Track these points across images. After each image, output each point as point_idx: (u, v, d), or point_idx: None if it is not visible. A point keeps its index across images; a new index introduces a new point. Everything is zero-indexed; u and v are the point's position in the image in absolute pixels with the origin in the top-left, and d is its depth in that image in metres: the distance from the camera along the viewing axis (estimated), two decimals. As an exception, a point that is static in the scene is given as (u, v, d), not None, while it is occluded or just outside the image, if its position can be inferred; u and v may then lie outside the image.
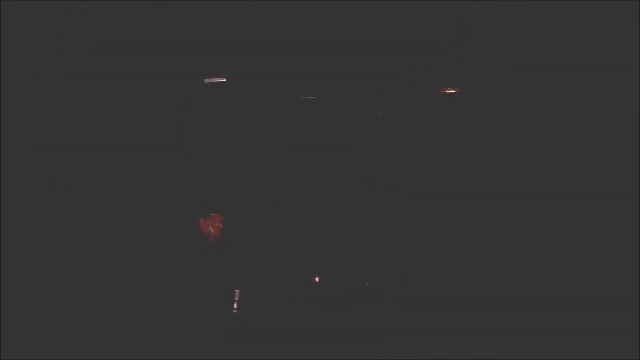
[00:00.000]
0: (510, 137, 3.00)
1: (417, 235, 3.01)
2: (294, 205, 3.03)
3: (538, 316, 2.77)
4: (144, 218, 3.01)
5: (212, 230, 2.88)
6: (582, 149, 2.76)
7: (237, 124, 3.29)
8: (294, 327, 2.74)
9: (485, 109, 3.04)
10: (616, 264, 2.60)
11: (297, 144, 3.31)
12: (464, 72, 2.98)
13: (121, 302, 1.30)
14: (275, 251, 2.92)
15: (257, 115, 3.25)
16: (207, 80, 1.64)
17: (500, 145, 3.04)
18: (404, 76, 2.98)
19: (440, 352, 2.56)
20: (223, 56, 3.10)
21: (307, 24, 3.06)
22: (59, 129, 2.68)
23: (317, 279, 3.01)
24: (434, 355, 2.53)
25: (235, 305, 3.01)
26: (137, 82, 1.83)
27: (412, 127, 3.39)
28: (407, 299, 2.93)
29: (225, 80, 1.67)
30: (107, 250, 1.40)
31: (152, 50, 2.23)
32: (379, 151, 3.58)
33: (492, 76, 3.00)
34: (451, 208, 3.03)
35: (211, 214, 2.98)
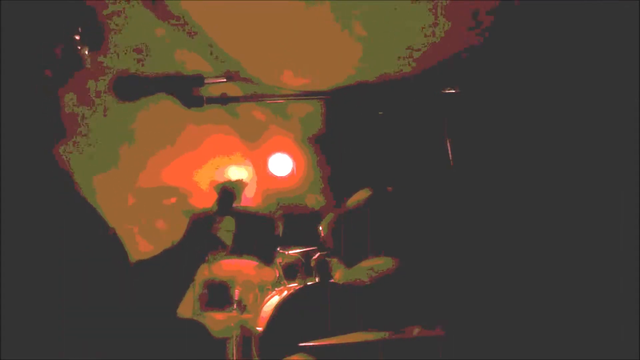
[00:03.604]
0: (511, 138, 2.99)
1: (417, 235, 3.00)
2: None
3: (537, 316, 2.77)
4: None
5: None
6: (582, 150, 2.76)
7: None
8: None
9: (485, 109, 3.04)
10: (616, 264, 2.60)
11: None
12: (464, 72, 2.98)
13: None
14: None
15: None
16: (206, 81, 1.63)
17: (500, 146, 3.04)
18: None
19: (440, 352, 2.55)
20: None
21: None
22: None
23: None
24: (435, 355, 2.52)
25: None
26: None
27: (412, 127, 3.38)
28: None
29: (225, 80, 1.67)
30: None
31: None
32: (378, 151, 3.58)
33: (492, 76, 2.99)
34: (453, 209, 3.02)
35: None
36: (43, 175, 1.32)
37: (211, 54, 3.20)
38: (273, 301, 2.95)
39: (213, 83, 1.64)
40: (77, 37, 1.40)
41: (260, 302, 3.07)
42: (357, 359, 2.51)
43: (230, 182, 2.18)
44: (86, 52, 1.42)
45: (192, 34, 3.10)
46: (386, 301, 2.88)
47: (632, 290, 2.47)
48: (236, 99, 1.83)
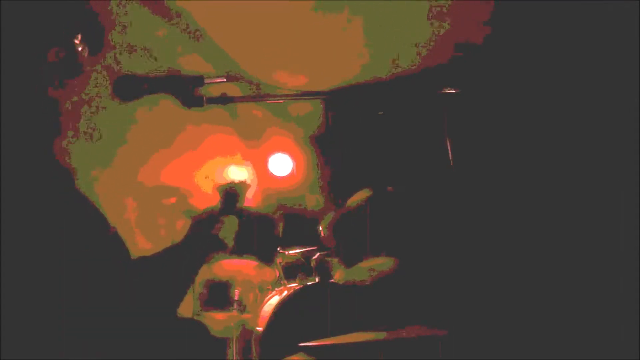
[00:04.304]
0: (510, 138, 2.99)
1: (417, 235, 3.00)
2: None
3: (537, 316, 2.77)
4: None
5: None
6: (582, 150, 2.76)
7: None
8: None
9: (485, 109, 3.04)
10: (616, 264, 2.60)
11: None
12: (464, 72, 2.98)
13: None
14: None
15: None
16: (206, 81, 1.63)
17: (500, 146, 3.04)
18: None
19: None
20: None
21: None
22: None
23: None
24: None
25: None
26: None
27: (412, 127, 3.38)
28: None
29: (225, 80, 1.67)
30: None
31: None
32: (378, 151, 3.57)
33: (492, 76, 2.99)
34: (453, 208, 3.02)
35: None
36: (43, 175, 1.32)
37: (211, 53, 3.20)
38: (273, 301, 2.95)
39: (213, 83, 1.64)
40: (78, 37, 1.40)
41: (260, 302, 3.07)
42: (357, 359, 2.51)
43: (233, 182, 2.20)
44: (86, 53, 1.42)
45: (193, 34, 3.10)
46: (386, 301, 2.89)
47: (632, 290, 2.47)
48: (236, 99, 1.83)
